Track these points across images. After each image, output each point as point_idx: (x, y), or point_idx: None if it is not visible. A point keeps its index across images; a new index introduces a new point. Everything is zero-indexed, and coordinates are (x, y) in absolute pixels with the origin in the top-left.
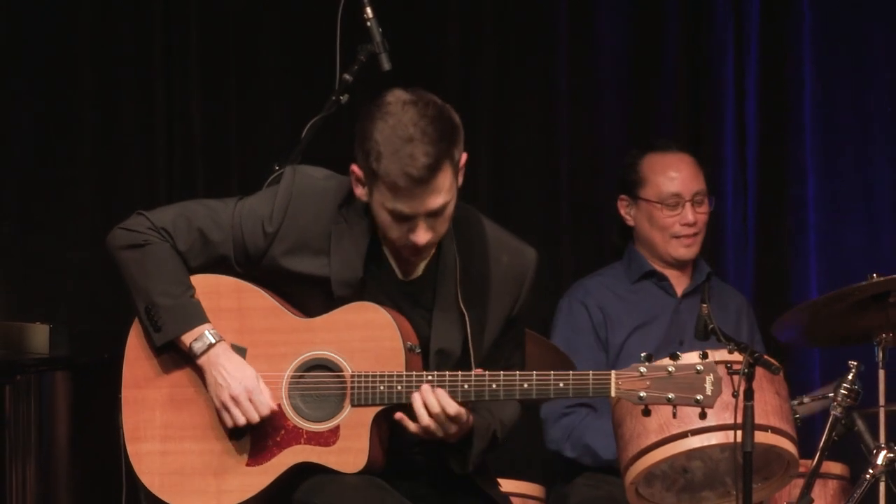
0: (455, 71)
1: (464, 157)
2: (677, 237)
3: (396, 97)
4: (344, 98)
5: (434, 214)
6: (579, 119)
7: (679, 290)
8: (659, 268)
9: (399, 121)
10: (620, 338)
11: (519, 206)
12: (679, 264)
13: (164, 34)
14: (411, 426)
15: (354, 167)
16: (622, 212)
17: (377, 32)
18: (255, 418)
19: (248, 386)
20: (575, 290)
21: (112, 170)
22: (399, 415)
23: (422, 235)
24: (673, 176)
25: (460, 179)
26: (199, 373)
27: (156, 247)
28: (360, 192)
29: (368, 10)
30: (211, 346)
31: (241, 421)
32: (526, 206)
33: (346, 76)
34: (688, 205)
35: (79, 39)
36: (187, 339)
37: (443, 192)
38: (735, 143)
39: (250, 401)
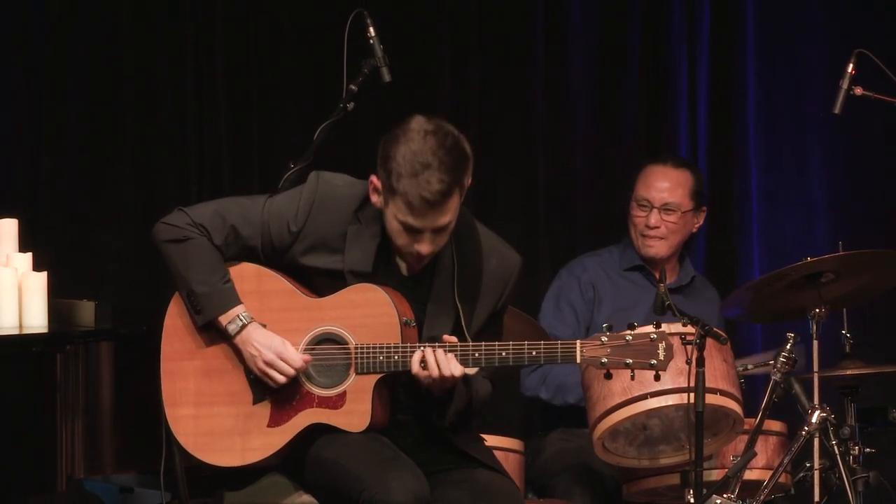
0: (446, 82)
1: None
2: (643, 235)
3: (420, 125)
4: (350, 106)
5: (438, 230)
6: (554, 124)
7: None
8: (648, 263)
9: (420, 147)
10: (604, 315)
11: (502, 200)
12: (650, 261)
13: (194, 51)
14: (421, 373)
15: (374, 178)
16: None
17: (379, 49)
18: (292, 372)
19: (275, 349)
20: (574, 266)
21: (149, 168)
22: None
23: (425, 247)
24: (649, 183)
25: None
26: (229, 347)
27: (195, 241)
28: (375, 199)
29: (371, 29)
30: (244, 326)
31: (282, 379)
32: (508, 200)
33: (352, 86)
34: (654, 210)
35: (121, 56)
36: (223, 320)
37: (449, 213)
38: (688, 143)
39: (281, 359)
